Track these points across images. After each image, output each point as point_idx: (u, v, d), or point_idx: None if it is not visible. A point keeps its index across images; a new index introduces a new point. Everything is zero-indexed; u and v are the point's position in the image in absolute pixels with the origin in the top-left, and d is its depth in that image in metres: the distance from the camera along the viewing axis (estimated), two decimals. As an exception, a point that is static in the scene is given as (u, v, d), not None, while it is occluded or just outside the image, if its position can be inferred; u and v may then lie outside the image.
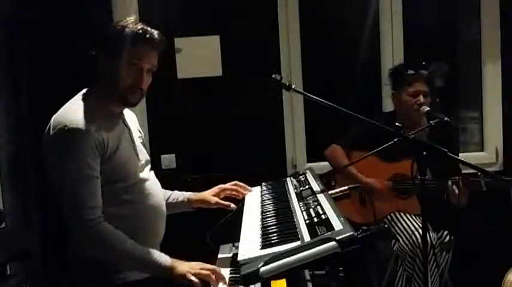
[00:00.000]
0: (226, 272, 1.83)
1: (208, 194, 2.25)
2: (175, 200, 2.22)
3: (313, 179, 2.14)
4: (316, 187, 2.00)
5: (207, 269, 1.75)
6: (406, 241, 2.83)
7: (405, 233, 2.86)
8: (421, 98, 2.91)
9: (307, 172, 2.28)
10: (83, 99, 1.87)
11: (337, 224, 1.48)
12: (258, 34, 3.49)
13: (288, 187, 2.15)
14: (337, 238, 1.34)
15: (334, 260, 1.37)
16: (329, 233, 1.42)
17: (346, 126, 3.10)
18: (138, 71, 1.86)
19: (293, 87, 2.06)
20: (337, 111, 2.02)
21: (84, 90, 1.93)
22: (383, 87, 3.53)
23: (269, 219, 1.79)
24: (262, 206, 2.00)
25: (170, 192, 2.24)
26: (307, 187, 2.02)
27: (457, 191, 2.72)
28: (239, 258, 1.48)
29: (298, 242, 1.47)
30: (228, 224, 2.09)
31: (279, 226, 1.67)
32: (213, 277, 1.73)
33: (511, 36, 3.56)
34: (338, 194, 2.13)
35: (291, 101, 3.55)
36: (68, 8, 3.35)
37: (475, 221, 3.14)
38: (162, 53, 1.92)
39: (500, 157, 3.65)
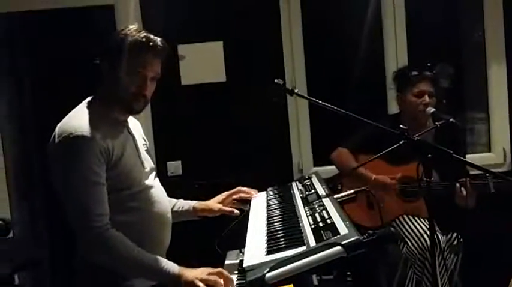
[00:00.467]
0: (233, 278, 1.82)
1: (213, 202, 2.25)
2: (180, 209, 2.22)
3: (318, 183, 2.13)
4: (321, 191, 1.98)
5: (214, 274, 1.75)
6: (415, 244, 2.81)
7: (414, 236, 2.84)
8: (427, 98, 2.90)
9: (313, 176, 2.27)
10: (88, 108, 1.88)
11: (342, 228, 1.47)
12: (261, 39, 3.50)
13: (293, 192, 2.14)
14: (342, 243, 1.33)
15: (342, 264, 1.36)
16: (334, 238, 1.40)
17: (351, 130, 3.08)
18: (142, 79, 1.86)
19: (296, 91, 2.06)
20: (342, 115, 2.02)
21: (89, 99, 1.93)
22: (388, 90, 3.52)
23: (275, 224, 1.78)
24: (268, 211, 1.99)
25: (175, 200, 2.24)
26: (312, 191, 2.01)
27: (464, 193, 2.70)
28: (244, 264, 1.47)
29: (304, 247, 1.46)
30: (236, 230, 2.09)
31: (285, 231, 1.66)
32: (221, 281, 1.73)
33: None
34: (344, 198, 2.11)
35: (295, 105, 3.55)
36: (72, 14, 3.37)
37: (483, 223, 3.11)
38: (165, 60, 1.92)
39: (508, 157, 3.62)
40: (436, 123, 2.74)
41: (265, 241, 1.62)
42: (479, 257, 3.22)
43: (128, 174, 1.87)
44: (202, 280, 1.73)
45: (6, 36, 3.45)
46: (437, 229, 2.75)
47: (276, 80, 2.04)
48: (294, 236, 1.58)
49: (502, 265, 2.92)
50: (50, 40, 3.46)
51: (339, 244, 1.33)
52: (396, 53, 3.58)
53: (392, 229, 1.49)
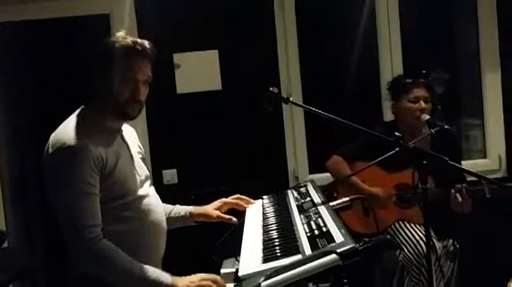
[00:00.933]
0: (229, 287, 1.82)
1: (210, 208, 2.23)
2: (176, 215, 2.20)
3: (314, 191, 2.12)
4: (317, 198, 1.98)
5: (208, 280, 1.75)
6: (412, 251, 2.81)
7: (410, 243, 2.84)
8: (422, 104, 2.91)
9: (308, 183, 2.27)
10: (81, 117, 1.87)
11: (338, 236, 1.46)
12: (256, 48, 3.51)
13: (289, 200, 2.13)
14: (338, 251, 1.33)
15: (338, 272, 1.36)
16: (330, 246, 1.40)
17: (347, 138, 3.09)
18: (134, 84, 1.86)
19: (291, 99, 2.06)
20: (337, 123, 2.02)
21: (81, 108, 1.92)
22: (383, 98, 3.53)
23: (271, 232, 1.77)
24: (263, 219, 1.98)
25: (171, 206, 2.23)
26: (308, 199, 2.01)
27: (460, 199, 2.70)
28: (240, 273, 1.47)
29: (299, 256, 1.45)
30: (232, 238, 2.08)
31: (280, 240, 1.66)
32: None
33: (510, 43, 3.56)
34: (339, 206, 2.10)
35: (291, 113, 3.55)
36: (69, 23, 3.38)
37: (479, 229, 3.11)
38: (159, 67, 1.93)
39: (504, 163, 3.63)
40: (432, 130, 2.74)
41: (261, 249, 1.62)
42: (475, 263, 3.21)
43: (122, 183, 1.86)
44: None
45: (1, 45, 3.45)
46: (433, 235, 2.74)
47: (271, 89, 2.04)
48: (290, 245, 1.57)
49: (498, 271, 2.91)
50: (46, 49, 3.46)
51: (335, 252, 1.33)
52: (391, 61, 3.60)
53: (388, 236, 1.49)
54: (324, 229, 1.57)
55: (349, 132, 2.91)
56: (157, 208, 2.01)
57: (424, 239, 2.77)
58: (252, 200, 2.30)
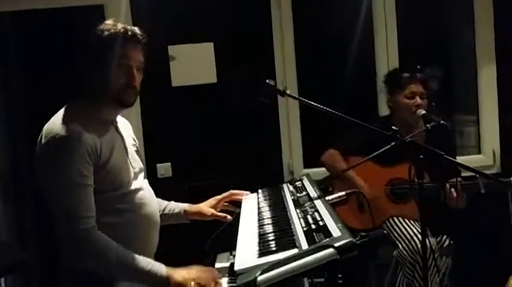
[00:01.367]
0: (224, 281, 1.80)
1: (205, 206, 2.22)
2: (171, 212, 2.19)
3: (310, 185, 2.11)
4: (313, 193, 1.97)
5: (204, 272, 1.74)
6: (406, 247, 2.81)
7: (404, 238, 2.84)
8: (418, 99, 2.90)
9: (304, 178, 2.25)
10: (74, 108, 1.85)
11: (335, 230, 1.45)
12: (252, 40, 3.49)
13: (284, 194, 2.12)
14: (335, 245, 1.31)
15: (334, 267, 1.34)
16: (327, 240, 1.39)
17: (342, 132, 3.08)
18: (128, 70, 1.85)
19: (288, 92, 2.04)
20: (333, 116, 2.01)
21: (75, 100, 1.90)
22: (378, 93, 3.52)
23: (266, 226, 1.76)
24: (259, 213, 1.97)
25: (166, 203, 2.21)
26: (304, 193, 2.00)
27: (455, 194, 2.70)
28: (236, 267, 1.45)
29: (296, 250, 1.44)
30: (226, 232, 2.07)
31: (276, 234, 1.64)
32: (211, 282, 1.72)
33: (506, 39, 3.56)
34: (335, 200, 2.10)
35: (286, 106, 3.54)
36: (63, 14, 3.34)
37: (474, 225, 3.11)
38: (150, 55, 1.92)
39: (498, 159, 3.63)
40: (427, 125, 2.74)
41: (257, 244, 1.60)
42: (469, 259, 3.22)
43: (116, 175, 1.84)
44: (192, 279, 1.71)
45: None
46: (427, 231, 2.74)
47: (267, 81, 2.03)
48: (286, 239, 1.55)
49: (492, 266, 2.93)
50: (39, 40, 3.42)
51: (332, 246, 1.31)
52: (387, 55, 3.58)
53: (384, 231, 1.48)
54: (321, 223, 1.56)
55: (344, 127, 2.91)
56: (151, 201, 1.99)
57: (418, 235, 2.78)
58: (245, 192, 2.28)
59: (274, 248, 1.51)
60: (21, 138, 3.28)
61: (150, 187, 2.04)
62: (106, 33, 1.82)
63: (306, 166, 3.59)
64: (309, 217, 1.68)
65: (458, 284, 3.11)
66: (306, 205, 1.85)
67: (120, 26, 1.86)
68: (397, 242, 2.86)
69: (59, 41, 3.31)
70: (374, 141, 2.35)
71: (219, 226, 2.14)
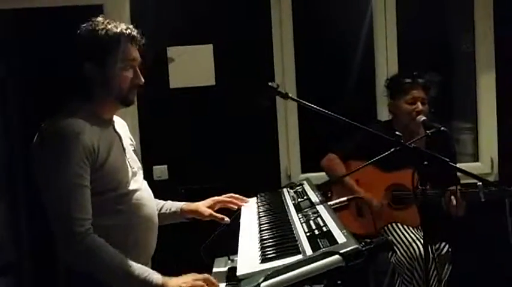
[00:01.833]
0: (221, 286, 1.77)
1: (203, 205, 2.18)
2: (167, 211, 2.15)
3: (310, 189, 2.09)
4: (314, 198, 1.94)
5: (200, 280, 1.70)
6: (404, 253, 2.79)
7: (403, 245, 2.82)
8: (419, 105, 2.89)
9: (304, 182, 2.23)
10: (72, 108, 1.82)
11: (340, 237, 1.42)
12: (251, 42, 3.47)
13: (285, 198, 2.09)
14: (341, 252, 1.29)
15: (336, 274, 1.32)
16: (333, 246, 1.36)
17: (341, 136, 3.06)
18: (133, 69, 1.84)
19: (290, 95, 2.02)
20: (332, 120, 1.98)
21: (73, 99, 1.86)
22: (379, 97, 3.51)
23: (267, 231, 1.73)
24: (259, 218, 1.94)
25: (163, 202, 2.18)
26: (305, 197, 1.97)
27: (454, 201, 2.68)
28: (238, 273, 1.42)
29: (300, 256, 1.41)
30: (223, 236, 2.03)
31: (278, 239, 1.61)
32: None
33: (506, 47, 3.56)
34: (336, 205, 2.07)
35: (285, 110, 3.51)
36: (61, 13, 3.31)
37: (472, 233, 3.10)
38: (148, 57, 1.94)
39: (496, 167, 3.62)
40: (427, 131, 2.72)
41: (259, 249, 1.57)
42: (468, 267, 3.20)
43: (114, 175, 1.81)
44: None
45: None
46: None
47: (269, 83, 2.00)
48: (289, 244, 1.53)
49: (490, 274, 2.92)
50: (37, 40, 3.38)
51: (338, 253, 1.29)
52: (386, 60, 3.57)
53: (388, 237, 1.46)
54: (325, 229, 1.53)
55: (343, 131, 2.89)
56: (150, 202, 1.96)
57: (417, 241, 2.76)
58: (246, 199, 2.25)
59: (276, 254, 1.48)
60: (17, 138, 3.24)
61: (148, 188, 2.01)
62: (109, 32, 1.80)
63: (303, 171, 3.57)
64: (311, 222, 1.66)
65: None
66: (307, 210, 1.82)
67: (123, 25, 1.84)
68: (395, 247, 2.84)
69: (57, 40, 3.28)
70: (374, 146, 2.32)
71: (216, 228, 2.10)
